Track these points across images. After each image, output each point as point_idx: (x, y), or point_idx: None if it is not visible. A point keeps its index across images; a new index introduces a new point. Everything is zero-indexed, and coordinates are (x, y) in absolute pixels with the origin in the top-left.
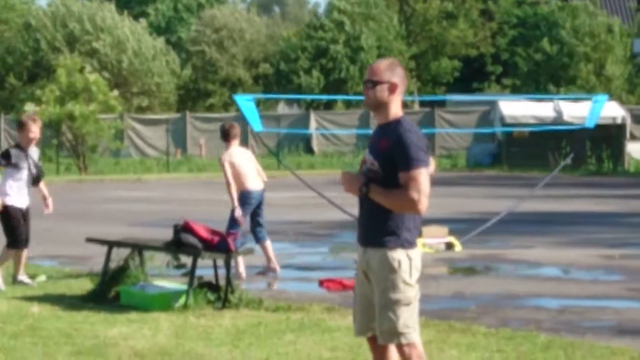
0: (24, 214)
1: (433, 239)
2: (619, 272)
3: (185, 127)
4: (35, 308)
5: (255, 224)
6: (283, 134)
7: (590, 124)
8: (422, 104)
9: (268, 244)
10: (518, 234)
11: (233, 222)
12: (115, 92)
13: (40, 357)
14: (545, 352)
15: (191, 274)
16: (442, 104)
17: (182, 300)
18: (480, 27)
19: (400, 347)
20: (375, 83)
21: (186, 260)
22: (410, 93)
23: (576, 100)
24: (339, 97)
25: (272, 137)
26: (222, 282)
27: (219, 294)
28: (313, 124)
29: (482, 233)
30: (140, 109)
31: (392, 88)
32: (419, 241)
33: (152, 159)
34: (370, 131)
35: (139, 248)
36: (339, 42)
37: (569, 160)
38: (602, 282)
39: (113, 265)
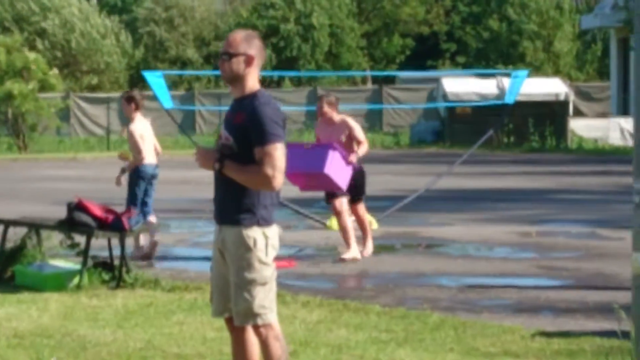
0: None
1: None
2: (533, 249)
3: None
4: None
5: (142, 201)
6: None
7: (509, 99)
8: (374, 81)
9: (152, 219)
10: (440, 212)
11: (133, 197)
12: (55, 71)
13: None
14: (436, 331)
15: (84, 253)
16: (391, 81)
17: (76, 280)
18: (432, 4)
19: (256, 328)
20: (231, 55)
21: (81, 239)
22: (364, 70)
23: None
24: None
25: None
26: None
27: (114, 273)
28: None
29: (403, 210)
30: (91, 88)
31: (249, 60)
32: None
33: (96, 138)
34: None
35: (35, 227)
36: (290, 20)
37: (487, 136)
38: (512, 260)
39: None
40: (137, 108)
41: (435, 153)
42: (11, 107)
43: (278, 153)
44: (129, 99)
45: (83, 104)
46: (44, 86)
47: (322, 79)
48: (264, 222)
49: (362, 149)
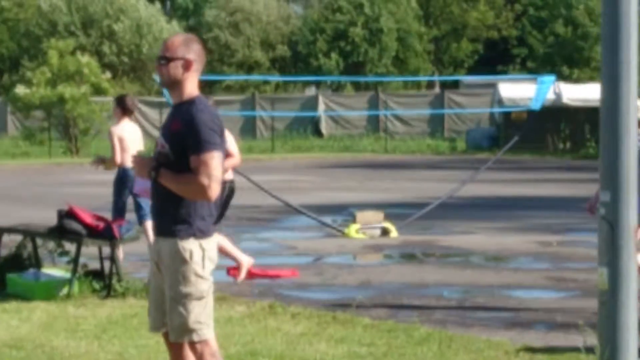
0: None
1: (367, 224)
2: (548, 259)
3: None
4: None
5: (137, 204)
6: (293, 116)
7: (535, 105)
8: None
9: (149, 224)
10: (466, 219)
11: (118, 207)
12: (108, 75)
13: None
14: (419, 346)
15: (74, 261)
16: (455, 86)
17: (66, 289)
18: (501, 9)
19: (192, 345)
20: (168, 59)
21: (71, 247)
22: (432, 74)
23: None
24: (291, 79)
25: (283, 120)
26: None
27: (105, 282)
28: (321, 106)
29: (429, 218)
30: (158, 93)
31: (187, 65)
32: (352, 227)
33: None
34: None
35: (29, 234)
36: (357, 24)
37: (513, 143)
38: (523, 271)
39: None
40: (125, 113)
41: (487, 159)
42: (63, 110)
43: (214, 162)
44: (118, 103)
45: (144, 108)
46: (97, 90)
47: (387, 84)
48: (201, 233)
49: (229, 162)
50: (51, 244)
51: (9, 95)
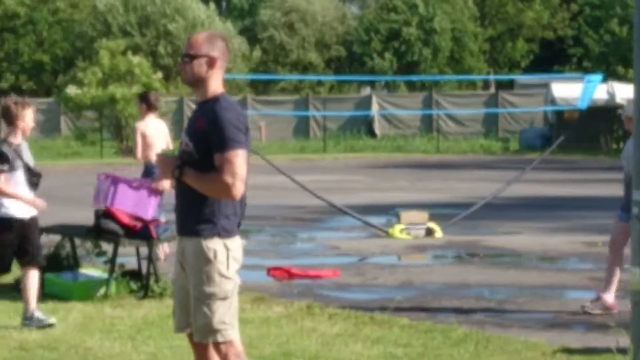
0: (25, 227)
1: (411, 225)
2: (592, 260)
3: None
4: None
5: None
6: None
7: (582, 104)
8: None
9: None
10: (512, 220)
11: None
12: (159, 75)
13: None
14: (455, 347)
15: (112, 261)
16: (510, 86)
17: (104, 289)
18: (557, 8)
19: (216, 345)
20: (192, 57)
21: (109, 247)
22: (487, 73)
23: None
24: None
25: (337, 121)
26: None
27: (142, 282)
28: (375, 106)
29: (474, 219)
30: None
31: (211, 62)
32: (396, 227)
33: None
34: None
35: (68, 234)
36: (411, 24)
37: (559, 142)
38: (567, 271)
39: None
40: (149, 109)
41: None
42: (114, 111)
43: (239, 160)
44: (142, 99)
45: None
46: (148, 90)
47: (442, 85)
48: (225, 233)
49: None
50: (89, 244)
51: (60, 95)
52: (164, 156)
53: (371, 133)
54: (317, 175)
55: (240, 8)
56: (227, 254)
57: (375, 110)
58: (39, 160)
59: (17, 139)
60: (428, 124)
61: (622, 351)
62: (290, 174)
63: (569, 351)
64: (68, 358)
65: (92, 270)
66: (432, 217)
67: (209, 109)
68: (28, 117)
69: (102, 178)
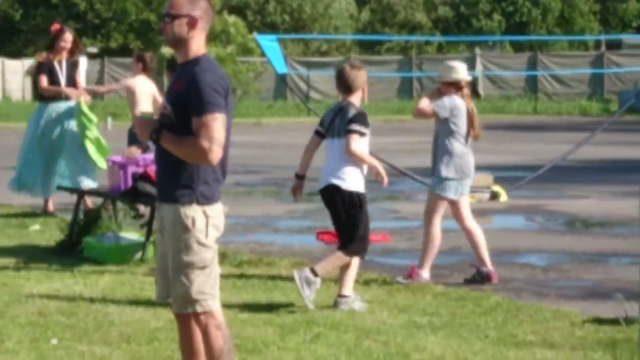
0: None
1: (476, 188)
2: None
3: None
4: None
5: None
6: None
7: None
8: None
9: None
10: (581, 183)
11: None
12: (255, 34)
13: None
14: (483, 316)
15: (149, 225)
16: (617, 46)
17: (140, 253)
18: None
19: (196, 316)
20: (173, 17)
21: (146, 211)
22: (600, 33)
23: None
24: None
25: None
26: None
27: None
28: (479, 66)
29: (542, 181)
30: (322, 53)
31: (193, 22)
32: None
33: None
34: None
35: (109, 197)
36: None
37: (629, 104)
38: (623, 237)
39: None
40: (145, 69)
41: (635, 121)
42: None
43: (216, 124)
44: (138, 59)
45: (301, 69)
46: (244, 50)
47: (552, 45)
48: (205, 199)
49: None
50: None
51: (156, 55)
52: (141, 119)
53: (475, 93)
54: (400, 137)
55: None
56: (207, 221)
57: (479, 70)
58: None
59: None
60: (532, 85)
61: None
62: (380, 135)
63: (599, 321)
64: (83, 324)
65: (132, 234)
66: (501, 180)
67: (188, 70)
68: (361, 80)
69: (110, 164)
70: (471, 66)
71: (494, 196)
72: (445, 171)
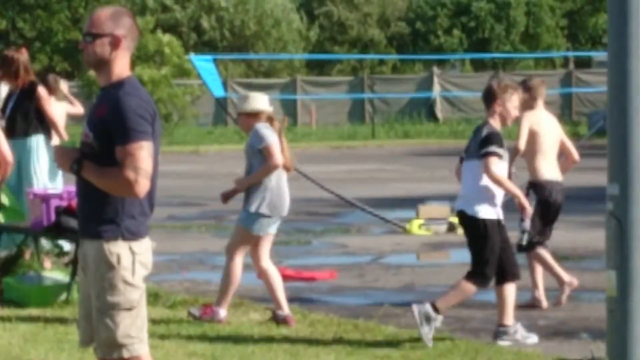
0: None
1: (431, 220)
2: None
3: (295, 92)
4: None
5: None
6: (408, 98)
7: None
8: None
9: None
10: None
11: None
12: (191, 55)
13: None
14: (439, 357)
15: (74, 263)
16: (587, 64)
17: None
18: None
19: None
20: (94, 36)
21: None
22: (567, 49)
23: None
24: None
25: (398, 104)
26: None
27: None
28: (437, 87)
29: (505, 211)
30: (264, 74)
31: (115, 42)
32: (415, 222)
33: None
34: None
35: (32, 233)
36: None
37: (597, 127)
38: (591, 271)
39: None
40: (50, 92)
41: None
42: None
43: (142, 153)
44: (42, 81)
45: (242, 91)
46: (180, 72)
47: (516, 63)
48: (131, 235)
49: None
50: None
51: (83, 78)
52: (61, 148)
53: (433, 116)
54: (350, 165)
55: None
56: (133, 258)
57: (436, 91)
58: None
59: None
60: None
61: None
62: (327, 163)
63: None
64: None
65: (57, 273)
66: (454, 211)
67: (111, 95)
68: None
69: (31, 197)
70: (428, 87)
71: (452, 228)
72: (255, 207)
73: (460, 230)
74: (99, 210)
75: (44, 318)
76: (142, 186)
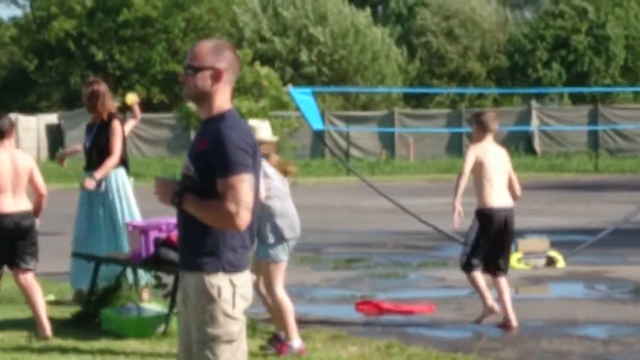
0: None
1: (530, 253)
2: None
3: (393, 125)
4: None
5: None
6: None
7: None
8: None
9: None
10: None
11: None
12: (290, 87)
13: None
14: None
15: (172, 295)
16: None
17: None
18: None
19: None
20: (196, 69)
21: (169, 279)
22: None
23: None
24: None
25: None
26: None
27: None
28: (535, 120)
29: (603, 246)
30: (362, 107)
31: (217, 75)
32: (514, 256)
33: (356, 161)
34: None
35: (131, 265)
36: (581, 31)
37: None
38: None
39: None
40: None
41: None
42: None
43: (244, 186)
44: None
45: (340, 124)
46: (278, 104)
47: (615, 97)
48: (231, 267)
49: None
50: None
51: (182, 110)
52: (162, 181)
53: (531, 150)
54: (447, 198)
55: (397, 13)
56: (233, 291)
57: (534, 125)
58: None
59: None
60: (593, 141)
61: None
62: (425, 195)
63: None
64: None
65: (156, 305)
66: (558, 245)
67: (212, 128)
68: None
69: (130, 229)
70: (526, 120)
71: (551, 262)
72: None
73: (560, 264)
74: (200, 243)
75: (141, 350)
76: (243, 219)
